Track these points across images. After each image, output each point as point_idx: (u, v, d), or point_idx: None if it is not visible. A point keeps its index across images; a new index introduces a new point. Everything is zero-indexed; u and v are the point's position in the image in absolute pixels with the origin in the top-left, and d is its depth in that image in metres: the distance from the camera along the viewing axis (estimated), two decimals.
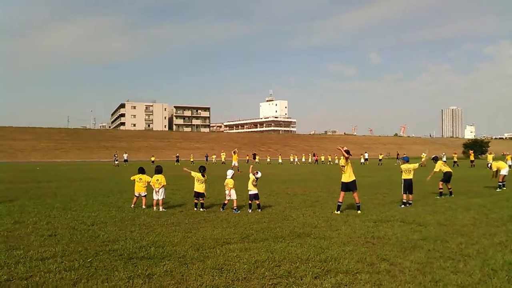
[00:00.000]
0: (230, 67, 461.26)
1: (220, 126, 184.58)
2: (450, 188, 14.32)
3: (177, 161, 50.34)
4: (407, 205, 11.68)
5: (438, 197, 13.80)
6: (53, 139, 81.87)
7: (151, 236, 7.63)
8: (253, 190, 10.78)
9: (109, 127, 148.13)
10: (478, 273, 5.38)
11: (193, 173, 11.20)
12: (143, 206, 11.23)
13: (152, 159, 50.64)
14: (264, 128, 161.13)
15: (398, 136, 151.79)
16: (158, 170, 11.36)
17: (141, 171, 11.64)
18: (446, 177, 14.25)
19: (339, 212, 10.38)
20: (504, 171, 16.51)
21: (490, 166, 16.93)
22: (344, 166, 10.58)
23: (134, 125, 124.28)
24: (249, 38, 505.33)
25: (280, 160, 58.32)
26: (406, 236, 7.64)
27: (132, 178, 11.78)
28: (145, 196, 11.40)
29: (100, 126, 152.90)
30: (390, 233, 7.89)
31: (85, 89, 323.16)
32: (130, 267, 5.57)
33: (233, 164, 30.61)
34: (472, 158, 43.16)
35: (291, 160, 59.65)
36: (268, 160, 61.09)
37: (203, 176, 11.08)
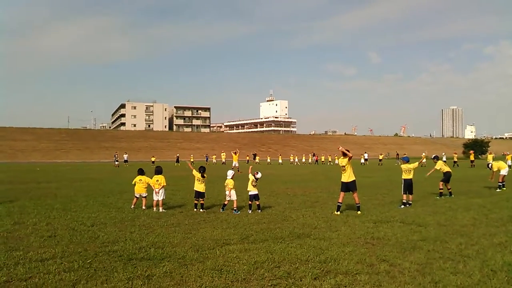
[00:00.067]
0: (230, 67, 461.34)
1: (221, 126, 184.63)
2: (450, 189, 14.32)
3: (177, 161, 50.37)
4: (407, 205, 11.68)
5: (438, 197, 13.80)
6: (53, 139, 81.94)
7: (150, 237, 7.63)
8: (253, 191, 10.78)
9: (110, 127, 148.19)
10: (477, 274, 5.38)
11: (194, 172, 11.21)
12: (143, 207, 11.23)
13: (152, 159, 50.64)
14: (264, 128, 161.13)
15: (399, 136, 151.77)
16: (158, 171, 11.36)
17: (141, 172, 11.63)
18: (446, 177, 14.25)
19: (339, 212, 10.38)
20: (504, 171, 16.51)
21: (491, 166, 16.92)
22: (344, 166, 10.58)
23: (135, 125, 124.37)
24: (249, 38, 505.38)
25: (280, 161, 58.34)
26: (406, 236, 7.64)
27: (133, 182, 11.71)
28: (145, 197, 11.40)
29: (101, 127, 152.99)
30: (390, 233, 7.89)
31: (85, 89, 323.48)
32: (129, 268, 5.57)
33: (233, 165, 30.62)
34: (472, 158, 43.14)
35: (291, 160, 59.66)
36: (268, 160, 61.09)
37: (203, 177, 11.08)
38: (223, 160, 52.82)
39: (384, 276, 5.30)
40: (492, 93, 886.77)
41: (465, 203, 12.43)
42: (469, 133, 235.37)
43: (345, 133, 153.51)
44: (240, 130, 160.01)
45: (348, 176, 10.55)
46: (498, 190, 16.05)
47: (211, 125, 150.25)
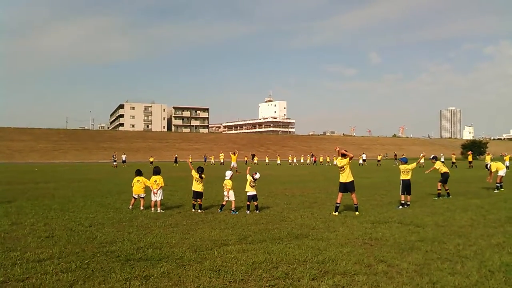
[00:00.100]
0: (230, 67, 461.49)
1: (219, 127, 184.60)
2: (448, 189, 14.35)
3: (176, 162, 50.28)
4: (405, 206, 11.69)
5: (436, 198, 13.82)
6: (51, 140, 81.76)
7: (148, 237, 7.62)
8: (251, 191, 10.78)
9: (108, 127, 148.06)
10: (475, 274, 5.39)
11: (193, 172, 11.20)
12: (141, 208, 11.20)
13: (151, 160, 50.56)
14: (263, 129, 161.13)
15: (397, 136, 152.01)
16: (156, 171, 11.35)
17: (138, 173, 11.60)
18: (444, 178, 14.28)
19: (337, 213, 10.38)
20: (502, 172, 16.54)
21: (489, 167, 16.96)
22: (343, 167, 10.58)
23: (133, 125, 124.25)
24: (249, 38, 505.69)
25: (278, 161, 58.33)
26: (404, 237, 7.65)
27: (132, 184, 11.65)
28: (143, 197, 11.38)
29: (99, 127, 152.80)
30: (388, 234, 7.89)
31: (85, 89, 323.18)
32: (127, 269, 5.56)
33: (232, 165, 30.61)
34: (470, 159, 43.25)
35: (290, 161, 59.64)
36: (267, 161, 61.12)
37: (201, 177, 11.07)
38: (221, 161, 52.79)
39: (382, 276, 5.31)
40: (492, 93, 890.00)
41: (463, 204, 12.46)
42: (467, 134, 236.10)
43: (343, 134, 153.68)
44: (238, 131, 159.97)
45: (346, 177, 10.55)
46: (496, 191, 16.09)
47: (209, 125, 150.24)
